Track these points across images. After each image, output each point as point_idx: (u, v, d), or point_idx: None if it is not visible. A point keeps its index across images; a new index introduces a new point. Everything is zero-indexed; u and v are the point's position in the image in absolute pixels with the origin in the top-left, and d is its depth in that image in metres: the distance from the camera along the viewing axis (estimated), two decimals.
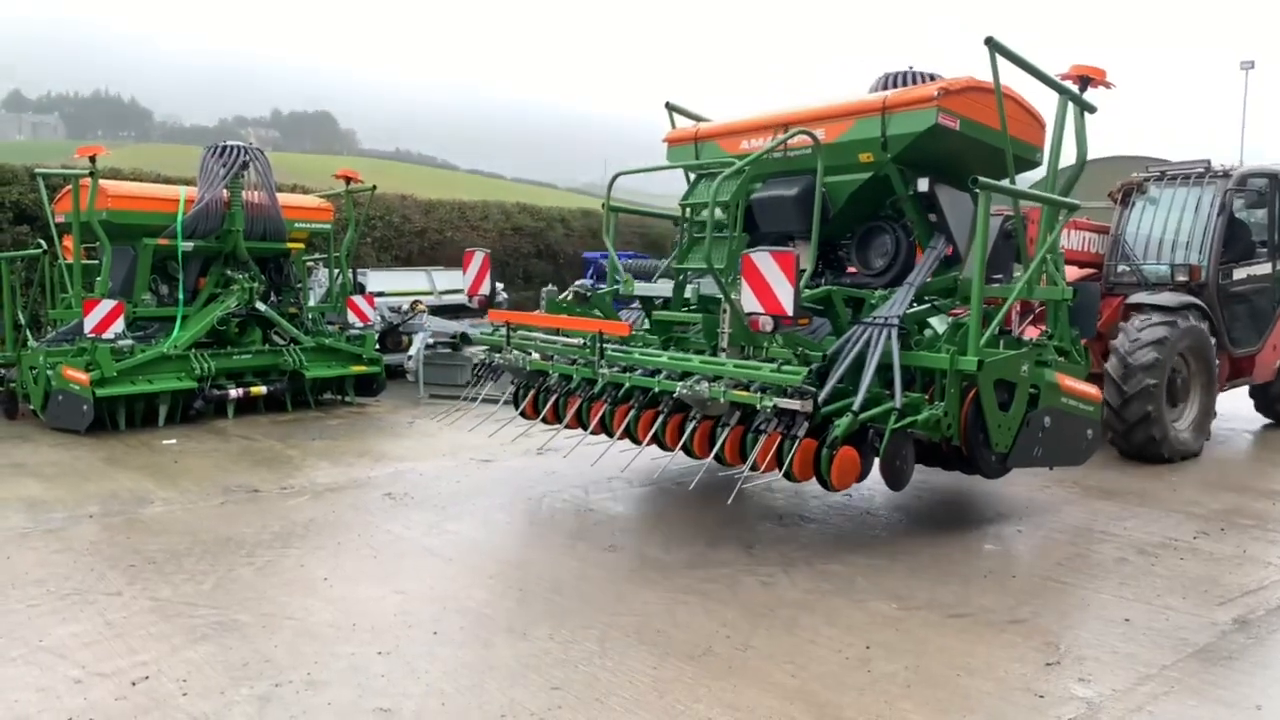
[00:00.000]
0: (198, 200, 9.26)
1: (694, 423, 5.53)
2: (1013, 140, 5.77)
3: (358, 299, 10.48)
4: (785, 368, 5.03)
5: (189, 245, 9.22)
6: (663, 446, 5.85)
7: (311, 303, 10.59)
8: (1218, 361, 8.04)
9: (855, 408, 4.87)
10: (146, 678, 3.60)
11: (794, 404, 4.86)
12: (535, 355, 6.66)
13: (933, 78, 6.36)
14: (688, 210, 6.58)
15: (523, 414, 6.83)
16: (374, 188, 11.01)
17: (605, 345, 6.05)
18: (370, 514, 5.88)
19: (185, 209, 9.17)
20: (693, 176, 6.94)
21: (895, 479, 5.06)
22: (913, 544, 5.35)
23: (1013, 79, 5.76)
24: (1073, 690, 3.57)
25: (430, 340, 11.40)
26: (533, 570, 4.87)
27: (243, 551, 5.11)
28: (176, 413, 8.79)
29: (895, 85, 6.45)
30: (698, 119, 7.42)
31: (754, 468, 5.02)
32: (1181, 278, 8.15)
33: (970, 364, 5.09)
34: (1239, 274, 8.43)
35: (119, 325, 8.39)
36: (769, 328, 5.12)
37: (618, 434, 5.94)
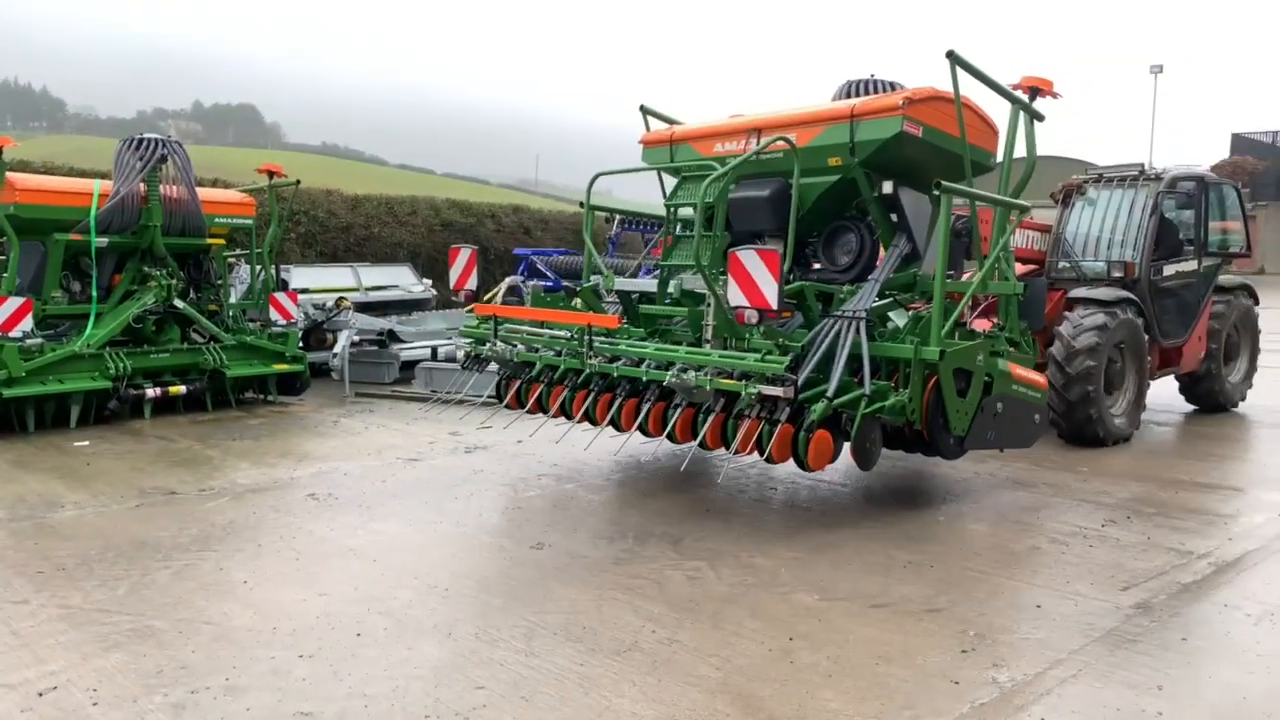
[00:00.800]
0: (112, 194, 8.97)
1: (678, 410, 5.83)
2: (970, 146, 6.25)
3: (281, 296, 10.26)
4: (768, 357, 5.41)
5: (103, 241, 8.93)
6: (645, 433, 6.19)
7: (233, 300, 10.34)
8: (1149, 352, 8.52)
9: (829, 394, 5.22)
10: (55, 688, 3.49)
11: (776, 390, 5.24)
12: (520, 347, 6.89)
13: (893, 85, 6.86)
14: (673, 210, 6.86)
15: (506, 405, 7.07)
16: (298, 182, 10.79)
17: (593, 337, 6.31)
18: (293, 515, 5.78)
19: (99, 203, 8.88)
20: (666, 177, 7.29)
21: (865, 459, 5.49)
22: (836, 537, 5.45)
23: (968, 88, 6.13)
24: (987, 676, 3.68)
25: (356, 338, 11.23)
26: (459, 569, 4.84)
27: (159, 556, 4.98)
28: (89, 413, 8.51)
29: (858, 92, 6.87)
30: (671, 121, 7.67)
31: (735, 451, 5.44)
32: (1117, 274, 8.64)
33: (933, 354, 5.47)
34: (1169, 271, 8.93)
35: (27, 323, 8.09)
36: (754, 320, 5.45)
37: (604, 423, 6.26)
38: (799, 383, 5.22)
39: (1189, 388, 9.87)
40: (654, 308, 6.83)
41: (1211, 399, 9.77)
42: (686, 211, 6.51)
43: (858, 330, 5.49)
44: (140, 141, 9.23)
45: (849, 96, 6.90)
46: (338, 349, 10.82)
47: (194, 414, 9.11)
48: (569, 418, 6.55)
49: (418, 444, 7.92)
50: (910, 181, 6.43)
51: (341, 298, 11.95)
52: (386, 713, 3.35)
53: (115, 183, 9.09)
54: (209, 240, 9.86)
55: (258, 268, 10.42)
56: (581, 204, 7.49)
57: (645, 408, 6.06)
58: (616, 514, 5.93)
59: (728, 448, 5.58)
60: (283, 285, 11.38)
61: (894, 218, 6.52)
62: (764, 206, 6.54)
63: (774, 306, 5.35)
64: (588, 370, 6.35)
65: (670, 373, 5.73)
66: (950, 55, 5.79)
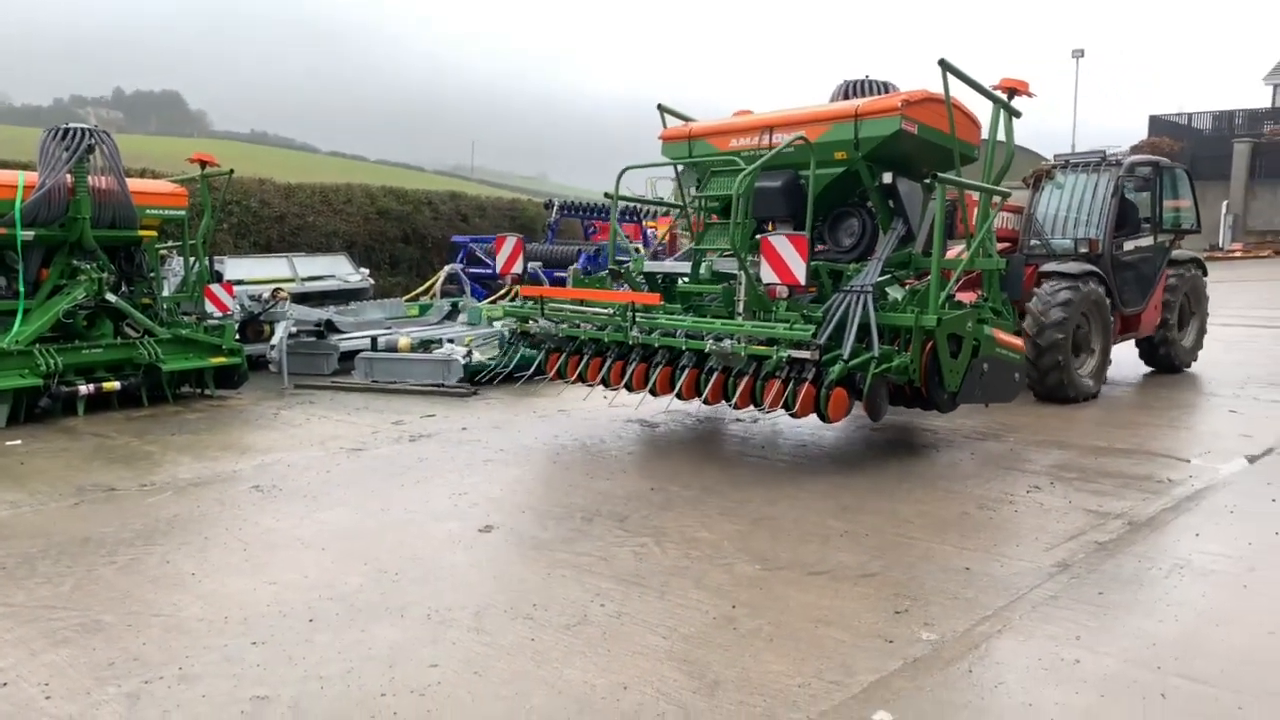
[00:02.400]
0: (38, 186, 8.75)
1: (711, 375, 6.57)
2: (958, 141, 7.11)
3: (215, 288, 10.12)
4: (796, 325, 6.24)
5: (29, 234, 8.71)
6: (680, 397, 6.95)
7: (166, 293, 10.17)
8: (1112, 319, 9.47)
9: (845, 356, 6.06)
10: (5, 684, 3.50)
11: (804, 353, 6.07)
12: (564, 325, 7.66)
13: (887, 85, 7.84)
14: (703, 201, 7.94)
15: (543, 373, 7.87)
16: (231, 171, 10.63)
17: (636, 313, 7.13)
18: (238, 507, 5.78)
19: (25, 195, 8.67)
20: (681, 169, 8.28)
21: (875, 412, 6.33)
22: (776, 510, 5.63)
23: (955, 88, 6.90)
24: (918, 634, 3.89)
25: (294, 329, 11.12)
26: (408, 554, 4.91)
27: (102, 551, 4.96)
28: (20, 412, 8.33)
29: (855, 92, 7.87)
30: (686, 119, 8.47)
31: (766, 410, 6.28)
32: (1083, 250, 9.59)
33: (931, 321, 6.33)
34: (1128, 246, 9.93)
35: None
36: (785, 295, 6.41)
37: (642, 388, 7.00)
38: (822, 346, 6.04)
39: (1147, 351, 10.80)
40: (689, 285, 7.76)
41: (1167, 361, 10.70)
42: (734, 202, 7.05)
43: (866, 303, 6.30)
44: (66, 131, 9.01)
45: (847, 95, 7.90)
46: (275, 341, 10.71)
47: (129, 410, 8.97)
48: (609, 386, 7.30)
49: (361, 434, 7.92)
50: (906, 172, 7.30)
51: (278, 289, 11.82)
52: (342, 693, 3.42)
53: (41, 174, 8.87)
54: (140, 232, 9.67)
55: (191, 260, 10.26)
56: (607, 194, 8.54)
57: (680, 375, 6.76)
58: (563, 496, 6.03)
59: (757, 406, 6.36)
60: (217, 277, 11.21)
61: (891, 204, 7.39)
62: (776, 196, 7.35)
63: (803, 283, 6.28)
64: (630, 342, 7.10)
65: (708, 341, 6.47)
66: (942, 63, 6.63)
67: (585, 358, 7.41)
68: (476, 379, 10.02)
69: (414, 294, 14.35)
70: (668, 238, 19.74)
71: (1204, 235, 11.85)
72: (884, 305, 6.64)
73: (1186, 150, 32.36)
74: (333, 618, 4.08)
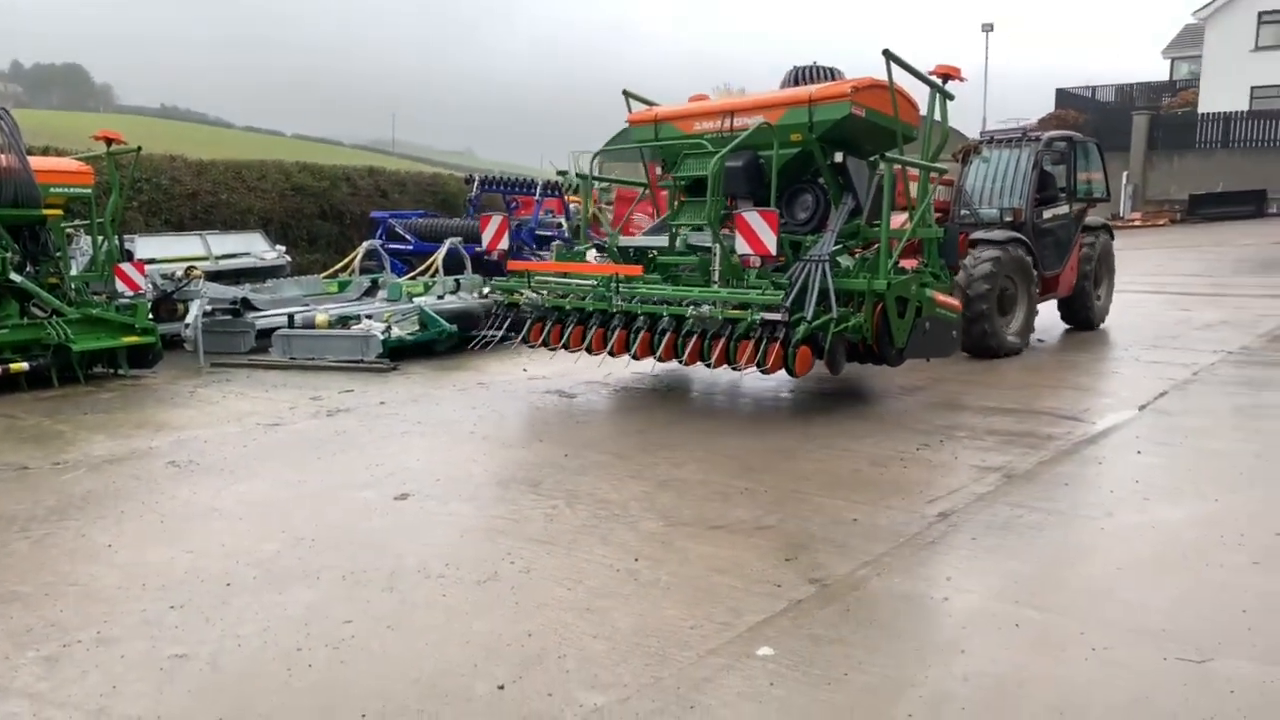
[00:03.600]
0: None
1: (689, 339, 7.23)
2: (901, 123, 7.74)
3: (126, 266, 9.99)
4: (767, 291, 7.00)
5: None
6: (659, 360, 7.54)
7: (74, 272, 10.01)
8: (1036, 281, 10.37)
9: (809, 318, 6.77)
10: None
11: (775, 315, 6.81)
12: (545, 294, 8.31)
13: (833, 72, 8.55)
14: (675, 180, 8.59)
15: (527, 342, 8.41)
16: (139, 149, 10.47)
17: (620, 284, 7.83)
18: (154, 482, 5.84)
19: None
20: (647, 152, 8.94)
21: (835, 367, 7.13)
22: (683, 473, 5.91)
23: (878, 70, 7.60)
24: (805, 578, 4.20)
25: (209, 308, 11.03)
26: (324, 522, 5.06)
27: (15, 528, 5.00)
28: None
29: (805, 78, 8.53)
30: (649, 103, 9.13)
31: (740, 367, 7.02)
32: (1008, 218, 10.52)
33: (881, 285, 7.12)
34: (1047, 214, 10.84)
35: None
36: (757, 264, 7.17)
37: (623, 353, 7.67)
38: (789, 309, 6.76)
39: (1065, 310, 11.81)
40: (666, 257, 8.37)
41: (1083, 317, 11.77)
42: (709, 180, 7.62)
43: (824, 271, 6.95)
44: None
45: (797, 81, 8.58)
46: (190, 319, 10.61)
47: (38, 391, 8.85)
48: (592, 352, 7.92)
49: (278, 410, 7.98)
50: (854, 151, 8.10)
51: (191, 267, 11.69)
52: (259, 649, 3.59)
53: None
54: (45, 211, 9.49)
55: (100, 239, 10.10)
56: (580, 175, 9.46)
57: (660, 339, 7.38)
58: (479, 464, 6.23)
59: (731, 365, 7.08)
60: (127, 256, 11.04)
61: (841, 180, 8.13)
62: (738, 175, 7.94)
63: (773, 253, 7.06)
64: (612, 310, 7.74)
65: (688, 307, 7.20)
66: (886, 53, 7.31)
67: (569, 326, 7.97)
68: (471, 345, 10.04)
69: (332, 270, 14.26)
70: (591, 214, 19.94)
71: (1107, 204, 12.68)
72: (838, 272, 7.26)
73: (1090, 122, 33.53)
74: (250, 581, 4.23)
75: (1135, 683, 3.30)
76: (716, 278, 7.48)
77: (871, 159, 8.28)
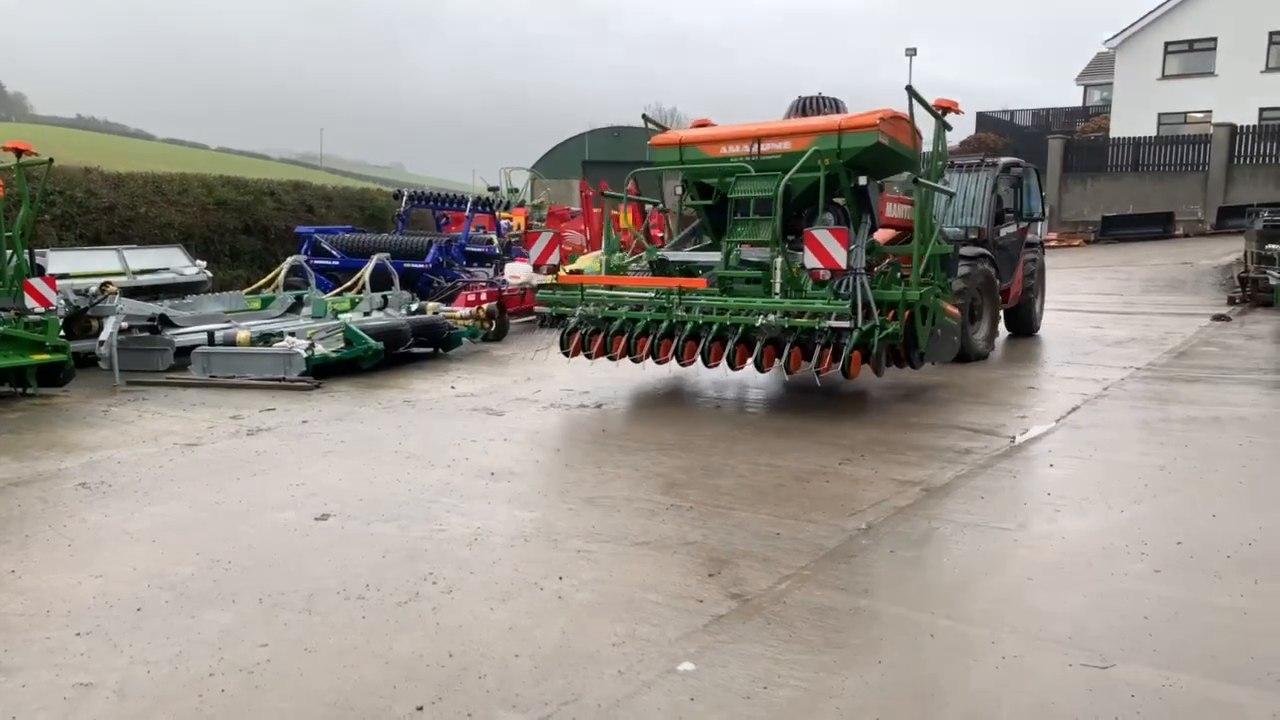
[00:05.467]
0: None
1: (753, 346, 7.99)
2: (909, 150, 8.63)
3: (36, 282, 9.64)
4: (834, 302, 7.69)
5: None
6: (732, 366, 8.14)
7: None
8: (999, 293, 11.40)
9: (860, 327, 7.56)
10: None
11: (845, 323, 7.53)
12: (593, 306, 8.90)
13: (837, 102, 9.52)
14: (689, 198, 9.56)
15: (568, 352, 9.06)
16: (50, 161, 10.14)
17: (682, 296, 8.42)
18: (63, 505, 5.65)
19: None
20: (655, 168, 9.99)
21: (880, 370, 7.99)
22: (608, 490, 5.93)
23: (895, 101, 8.44)
24: (727, 593, 4.25)
25: (125, 324, 10.71)
26: (242, 544, 4.95)
27: None
28: None
29: (812, 107, 9.49)
30: (664, 128, 10.05)
31: (819, 371, 7.73)
32: (973, 236, 11.41)
33: (915, 296, 7.95)
34: (1003, 232, 11.96)
35: None
36: (826, 278, 7.76)
37: (689, 361, 8.32)
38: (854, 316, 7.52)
39: (1010, 318, 12.98)
40: (724, 271, 8.77)
41: (1026, 325, 13.06)
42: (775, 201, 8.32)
43: (864, 283, 7.67)
44: None
45: (803, 111, 9.53)
46: (104, 336, 10.29)
47: None
48: (657, 360, 8.44)
49: (196, 429, 7.78)
50: (874, 176, 8.72)
51: (106, 282, 11.32)
52: (170, 675, 3.50)
53: None
54: None
55: (9, 252, 9.74)
56: (604, 193, 11.20)
57: (729, 348, 8.02)
58: (403, 484, 6.15)
59: (788, 372, 7.97)
60: (38, 271, 10.66)
61: (860, 202, 8.74)
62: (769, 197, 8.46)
63: (844, 267, 7.56)
64: (673, 321, 8.35)
65: (759, 318, 7.85)
66: (909, 90, 8.11)
67: (627, 337, 8.56)
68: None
69: (255, 287, 13.96)
70: (522, 228, 19.90)
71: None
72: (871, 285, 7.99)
73: (1009, 146, 34.63)
74: (161, 605, 4.12)
75: (1042, 689, 3.41)
76: (778, 289, 8.13)
77: (879, 183, 9.04)
